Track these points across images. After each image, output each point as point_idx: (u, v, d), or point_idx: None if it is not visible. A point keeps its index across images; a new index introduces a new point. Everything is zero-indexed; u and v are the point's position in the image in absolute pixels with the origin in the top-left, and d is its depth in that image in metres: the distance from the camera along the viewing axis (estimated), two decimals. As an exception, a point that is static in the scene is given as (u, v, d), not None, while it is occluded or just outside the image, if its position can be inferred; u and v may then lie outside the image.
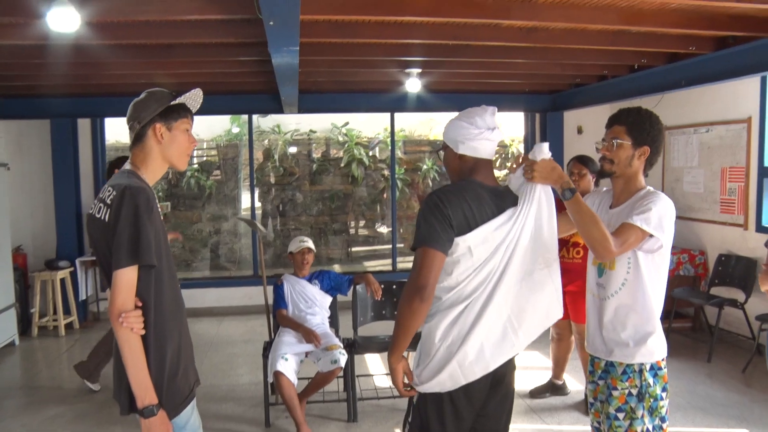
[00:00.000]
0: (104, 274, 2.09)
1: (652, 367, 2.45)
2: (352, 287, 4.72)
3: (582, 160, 4.44)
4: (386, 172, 8.17)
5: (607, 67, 5.77)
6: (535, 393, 4.79)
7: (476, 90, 7.21)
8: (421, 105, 7.34)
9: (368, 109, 7.59)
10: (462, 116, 2.34)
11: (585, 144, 8.01)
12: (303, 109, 6.99)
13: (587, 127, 8.06)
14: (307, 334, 4.23)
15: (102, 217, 2.03)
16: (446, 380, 2.19)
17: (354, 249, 8.69)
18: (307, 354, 4.27)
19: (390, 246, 7.92)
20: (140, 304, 1.99)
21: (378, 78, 6.19)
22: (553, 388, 4.79)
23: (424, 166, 8.49)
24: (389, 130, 8.84)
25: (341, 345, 4.28)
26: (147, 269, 2.00)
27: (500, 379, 2.28)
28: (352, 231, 8.63)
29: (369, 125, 8.81)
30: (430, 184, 8.57)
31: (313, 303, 4.56)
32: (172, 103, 2.17)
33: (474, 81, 6.62)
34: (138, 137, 2.17)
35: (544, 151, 2.36)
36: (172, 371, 2.08)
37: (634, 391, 2.46)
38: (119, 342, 1.96)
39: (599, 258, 2.41)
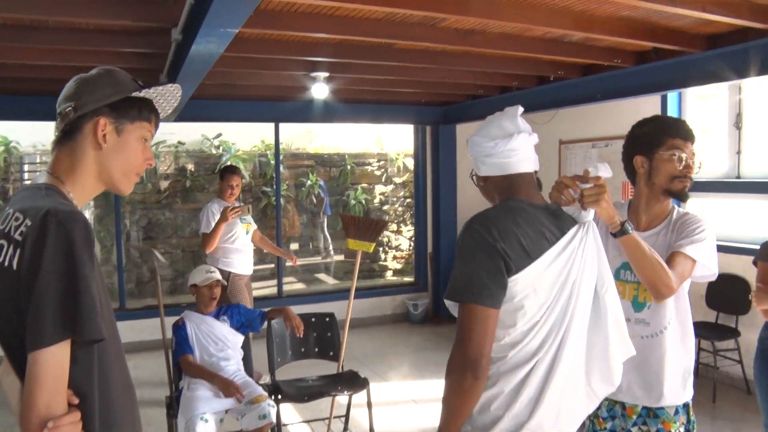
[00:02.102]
0: (9, 358, 1.31)
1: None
2: (265, 323, 4.03)
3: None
4: (266, 188, 7.46)
5: (519, 77, 5.58)
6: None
7: (368, 99, 6.77)
8: (307, 116, 6.77)
9: (253, 118, 6.88)
10: (478, 131, 1.87)
11: (475, 158, 7.88)
12: (180, 117, 6.10)
13: (476, 141, 7.92)
14: (226, 387, 3.47)
15: (4, 263, 1.28)
16: None
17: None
18: (227, 411, 3.51)
19: (274, 267, 7.22)
20: (77, 401, 1.26)
21: (272, 83, 5.51)
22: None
23: (308, 182, 7.88)
24: (265, 142, 8.17)
25: (267, 395, 3.57)
26: (87, 346, 1.27)
27: None
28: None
29: (244, 137, 8.02)
30: (314, 200, 7.97)
31: (224, 345, 3.79)
32: (135, 94, 1.47)
33: (370, 89, 6.15)
34: (68, 132, 1.43)
35: (608, 171, 1.88)
36: None
37: (681, 429, 2.16)
38: None
39: (660, 298, 2.05)
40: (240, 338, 3.92)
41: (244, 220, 4.99)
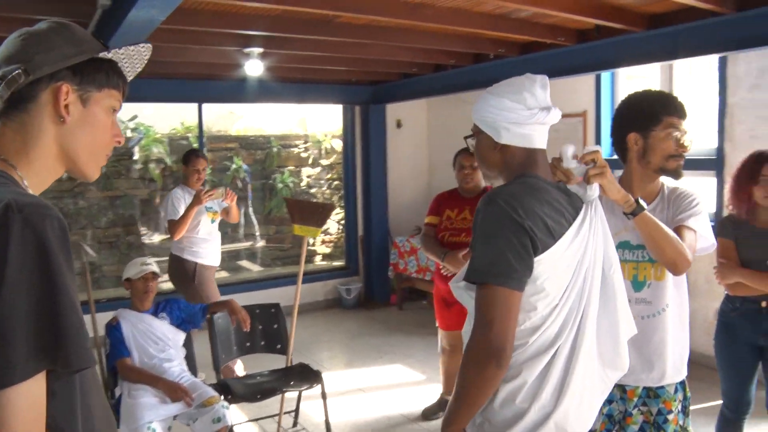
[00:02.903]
0: None
1: None
2: (206, 317, 3.75)
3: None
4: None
5: (457, 55, 5.47)
6: (429, 413, 4.30)
7: (297, 78, 6.48)
8: (236, 95, 6.40)
9: (176, 99, 6.42)
10: (502, 91, 1.69)
11: (404, 139, 7.78)
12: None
13: (406, 121, 7.81)
14: (172, 390, 3.18)
15: None
16: None
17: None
18: (175, 417, 3.21)
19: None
20: None
21: (198, 59, 5.12)
22: (446, 405, 4.31)
23: (233, 166, 7.48)
24: (185, 124, 7.70)
25: (220, 396, 3.31)
26: (68, 376, 1.02)
27: None
28: (150, 243, 7.25)
29: (161, 119, 7.51)
30: (239, 185, 7.58)
31: (165, 344, 3.49)
32: (102, 55, 1.19)
33: (302, 67, 5.86)
34: (15, 102, 1.13)
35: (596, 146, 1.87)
36: None
37: (680, 407, 2.15)
38: None
39: (677, 273, 2.00)
40: (181, 336, 3.62)
41: (209, 209, 4.66)
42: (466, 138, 1.87)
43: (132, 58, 1.28)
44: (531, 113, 1.65)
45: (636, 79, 5.68)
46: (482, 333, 1.49)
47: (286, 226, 8.17)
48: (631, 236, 2.12)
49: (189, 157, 4.77)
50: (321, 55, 5.23)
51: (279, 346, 3.99)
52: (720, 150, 4.58)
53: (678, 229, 2.03)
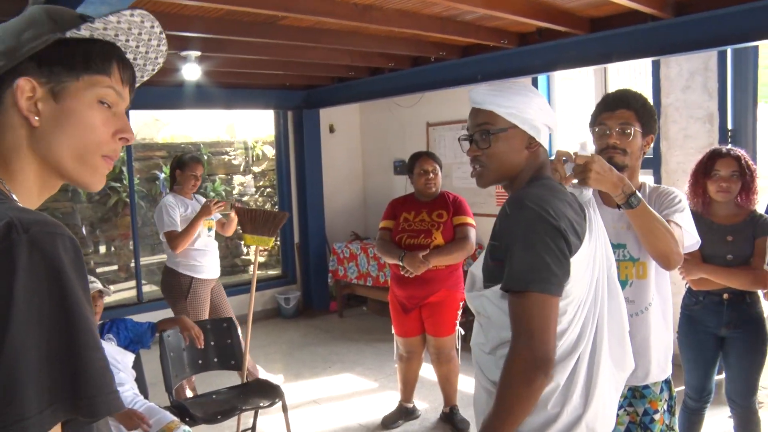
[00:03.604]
0: None
1: None
2: (154, 336, 3.53)
3: (433, 156, 4.02)
4: (115, 184, 6.63)
5: (397, 58, 5.44)
6: (388, 422, 4.21)
7: (228, 83, 6.26)
8: (165, 101, 6.12)
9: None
10: (531, 91, 1.70)
11: (338, 144, 7.70)
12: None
13: (339, 125, 7.73)
14: (127, 418, 2.94)
15: None
16: None
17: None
18: (132, 445, 2.98)
19: (132, 268, 6.51)
20: None
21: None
22: (405, 413, 4.26)
23: (162, 175, 7.14)
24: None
25: (178, 420, 3.10)
26: (89, 424, 0.89)
27: None
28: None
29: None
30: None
31: (115, 368, 3.23)
32: (72, 34, 0.96)
33: (238, 71, 5.67)
34: None
35: (588, 149, 1.90)
36: None
37: (666, 406, 2.16)
38: None
39: (669, 267, 2.01)
40: (130, 357, 3.38)
41: (206, 218, 4.34)
42: (492, 132, 1.65)
43: (132, 29, 1.01)
44: (552, 116, 1.70)
45: (572, 81, 5.84)
46: (526, 344, 1.44)
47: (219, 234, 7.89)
48: (611, 234, 2.13)
49: (186, 161, 4.40)
50: (259, 58, 5.09)
51: (233, 362, 3.81)
52: (656, 149, 4.76)
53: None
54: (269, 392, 3.60)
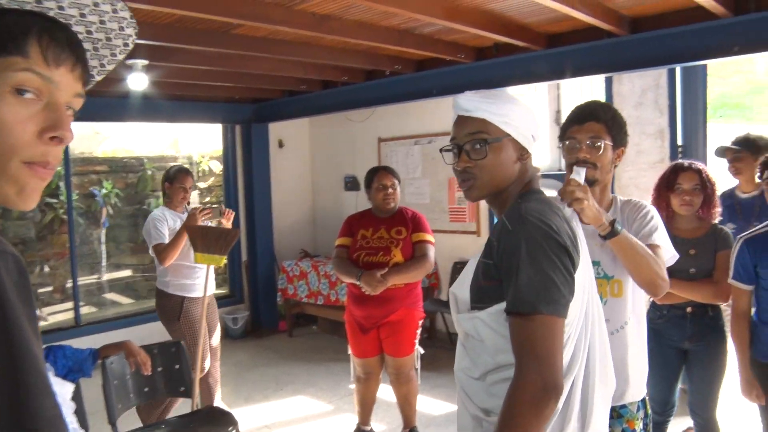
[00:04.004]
0: None
1: None
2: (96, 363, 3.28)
3: (392, 171, 3.92)
4: (51, 200, 6.26)
5: (351, 71, 5.35)
6: (346, 448, 4.06)
7: (174, 95, 6.04)
8: (108, 113, 5.83)
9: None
10: (520, 101, 1.61)
11: (287, 159, 7.54)
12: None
13: (288, 140, 7.57)
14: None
15: None
16: None
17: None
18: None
19: (69, 288, 6.15)
20: None
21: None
22: (368, 437, 4.11)
23: (103, 191, 6.79)
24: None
25: (124, 454, 2.87)
26: None
27: None
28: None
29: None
30: (110, 211, 6.88)
31: (52, 398, 2.98)
32: None
33: (184, 82, 5.46)
34: None
35: (581, 177, 1.88)
36: None
37: (641, 425, 2.08)
38: None
39: (656, 294, 1.95)
40: (69, 388, 3.02)
41: None
42: (473, 146, 1.55)
43: (82, 5, 0.82)
44: (537, 127, 1.64)
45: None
46: (535, 370, 1.33)
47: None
48: None
49: (174, 174, 4.21)
50: (209, 69, 4.91)
51: (182, 389, 3.58)
52: (610, 164, 4.80)
53: (649, 247, 1.99)
54: (221, 420, 3.40)
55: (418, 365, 4.01)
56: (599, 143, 2.02)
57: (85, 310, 6.29)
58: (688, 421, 3.13)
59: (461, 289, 1.61)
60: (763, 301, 2.72)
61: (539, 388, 1.31)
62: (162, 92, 5.63)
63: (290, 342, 6.72)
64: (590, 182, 2.00)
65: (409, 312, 3.81)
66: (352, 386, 5.04)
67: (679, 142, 4.43)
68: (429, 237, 3.87)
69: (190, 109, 6.54)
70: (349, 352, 4.00)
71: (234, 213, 4.30)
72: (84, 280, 6.61)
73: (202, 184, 7.83)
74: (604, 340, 1.64)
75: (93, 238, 6.97)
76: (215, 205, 4.14)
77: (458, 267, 6.17)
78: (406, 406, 3.98)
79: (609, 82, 4.80)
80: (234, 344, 6.66)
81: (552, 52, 4.25)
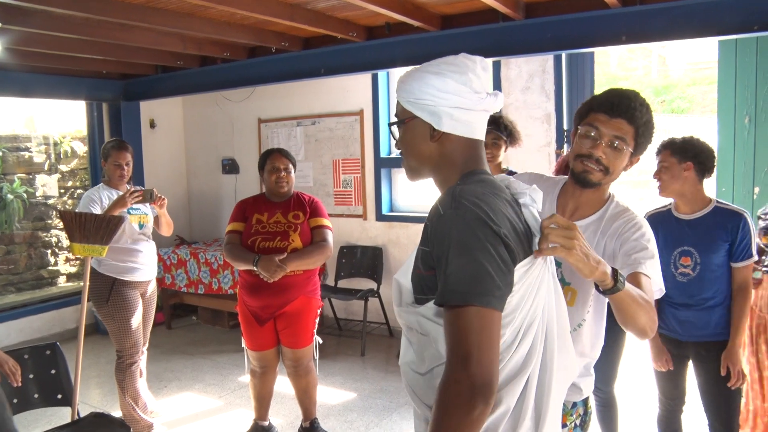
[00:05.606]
0: None
1: None
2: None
3: (286, 154, 3.72)
4: None
5: (233, 48, 5.04)
6: (243, 444, 3.85)
7: (28, 67, 5.40)
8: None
9: None
10: (444, 71, 1.45)
11: (159, 140, 7.07)
12: None
13: (160, 120, 7.07)
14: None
15: None
16: None
17: None
18: None
19: None
20: None
21: None
22: (261, 431, 3.92)
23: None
24: None
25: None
26: None
27: None
28: None
29: None
30: None
31: None
32: None
33: (42, 52, 4.88)
34: None
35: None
36: None
37: (578, 422, 2.01)
38: None
39: (644, 339, 1.75)
40: None
41: (135, 211, 3.82)
42: (390, 125, 1.57)
43: None
44: (479, 98, 1.45)
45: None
46: (463, 367, 1.21)
47: (18, 244, 6.84)
48: None
49: (108, 150, 3.92)
50: (73, 37, 4.38)
51: (60, 396, 3.21)
52: (498, 147, 4.89)
53: (634, 276, 1.71)
54: (110, 429, 3.08)
55: (317, 356, 3.88)
56: (623, 147, 1.77)
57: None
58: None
59: (404, 278, 1.50)
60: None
61: (467, 386, 1.20)
62: (16, 62, 4.97)
63: (169, 335, 6.33)
64: (588, 185, 1.83)
65: (309, 300, 3.66)
66: (243, 379, 4.85)
67: (565, 126, 4.59)
68: (327, 222, 3.74)
69: (49, 83, 5.85)
70: (243, 345, 3.78)
71: (166, 200, 3.95)
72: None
73: (63, 167, 7.15)
74: (565, 336, 1.54)
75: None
76: (147, 189, 3.81)
77: (344, 251, 6.08)
78: (306, 399, 3.84)
79: (497, 67, 4.88)
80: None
81: (444, 33, 4.23)
